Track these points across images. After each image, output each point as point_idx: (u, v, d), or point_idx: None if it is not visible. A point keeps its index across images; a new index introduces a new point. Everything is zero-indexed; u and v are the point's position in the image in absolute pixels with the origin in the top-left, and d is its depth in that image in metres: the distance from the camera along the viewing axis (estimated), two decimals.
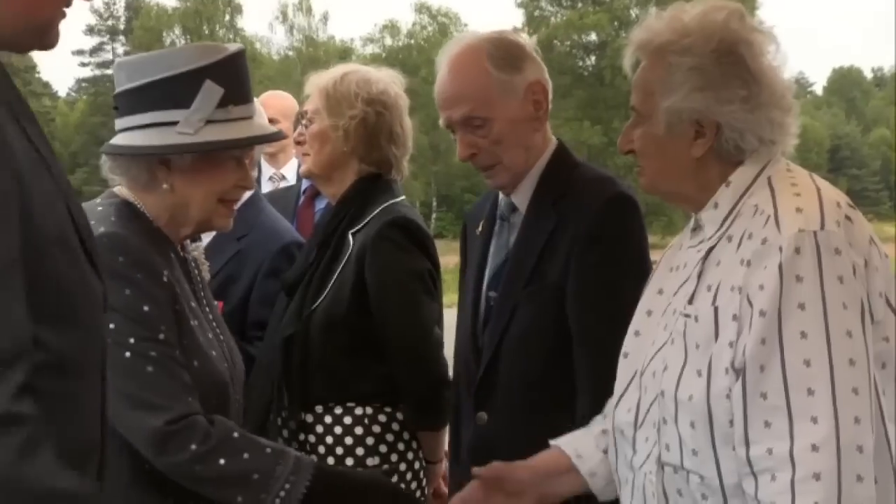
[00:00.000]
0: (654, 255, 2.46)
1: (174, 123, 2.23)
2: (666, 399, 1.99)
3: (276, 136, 2.46)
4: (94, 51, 72.29)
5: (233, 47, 2.31)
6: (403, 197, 3.10)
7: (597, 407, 2.36)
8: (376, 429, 2.95)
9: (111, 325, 2.00)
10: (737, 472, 1.89)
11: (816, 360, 1.82)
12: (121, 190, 2.34)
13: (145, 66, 2.26)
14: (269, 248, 3.34)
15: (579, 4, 57.20)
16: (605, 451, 2.24)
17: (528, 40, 2.70)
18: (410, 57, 62.57)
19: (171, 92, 2.23)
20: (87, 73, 72.32)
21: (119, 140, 2.28)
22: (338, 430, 2.93)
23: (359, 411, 2.95)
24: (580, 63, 55.82)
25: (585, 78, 53.73)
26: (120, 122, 2.30)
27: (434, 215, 52.98)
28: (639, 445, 2.09)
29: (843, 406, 1.80)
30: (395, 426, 2.98)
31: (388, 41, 67.47)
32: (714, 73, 2.00)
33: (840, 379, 1.81)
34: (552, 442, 2.33)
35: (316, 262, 3.00)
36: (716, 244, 2.01)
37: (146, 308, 2.17)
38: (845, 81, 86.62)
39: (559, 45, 55.64)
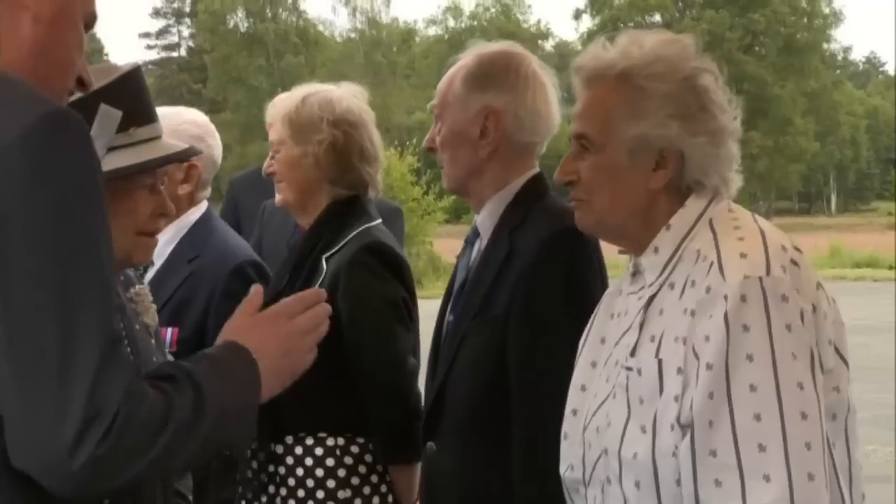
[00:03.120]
0: None
1: None
2: (609, 457, 1.90)
3: (188, 154, 2.32)
4: (160, 33, 73.20)
5: (126, 65, 2.19)
6: (380, 220, 3.02)
7: (527, 451, 2.36)
8: (348, 460, 2.87)
9: None
10: None
11: (767, 414, 1.72)
12: None
13: None
14: (222, 269, 3.19)
15: None
16: None
17: (535, 70, 2.63)
18: (473, 38, 62.33)
19: None
20: (154, 55, 73.17)
21: None
22: (308, 461, 2.86)
23: (330, 442, 2.86)
24: None
25: None
26: None
27: None
28: None
29: (795, 462, 1.71)
30: (368, 458, 2.89)
31: (451, 23, 67.45)
32: (686, 102, 1.92)
33: (792, 434, 1.72)
34: None
35: (288, 288, 2.92)
36: (657, 291, 1.92)
37: None
38: None
39: (623, 26, 55.05)
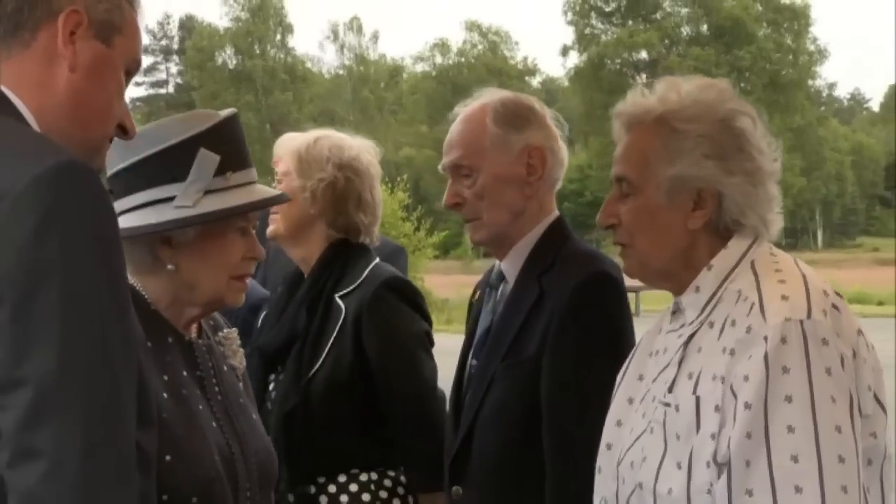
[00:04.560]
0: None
1: (171, 199, 2.13)
2: (644, 492, 1.91)
3: (281, 199, 2.36)
4: (149, 70, 73.63)
5: (225, 112, 2.23)
6: (378, 260, 3.06)
7: (561, 491, 2.34)
8: (383, 494, 2.88)
9: None
10: None
11: (804, 456, 1.73)
12: None
13: (136, 143, 2.11)
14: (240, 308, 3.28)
15: (629, 22, 57.09)
16: None
17: (544, 109, 2.65)
18: (461, 75, 62.72)
19: (165, 166, 2.14)
20: (142, 92, 73.47)
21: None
22: (344, 498, 2.85)
23: (364, 477, 2.88)
24: (631, 81, 55.66)
25: None
26: (117, 206, 2.16)
27: None
28: None
29: None
30: (401, 490, 2.92)
31: (439, 59, 67.84)
32: (722, 142, 1.95)
33: (829, 477, 1.72)
34: None
35: (305, 330, 2.93)
36: (697, 330, 1.94)
37: None
38: None
39: (609, 63, 55.53)
